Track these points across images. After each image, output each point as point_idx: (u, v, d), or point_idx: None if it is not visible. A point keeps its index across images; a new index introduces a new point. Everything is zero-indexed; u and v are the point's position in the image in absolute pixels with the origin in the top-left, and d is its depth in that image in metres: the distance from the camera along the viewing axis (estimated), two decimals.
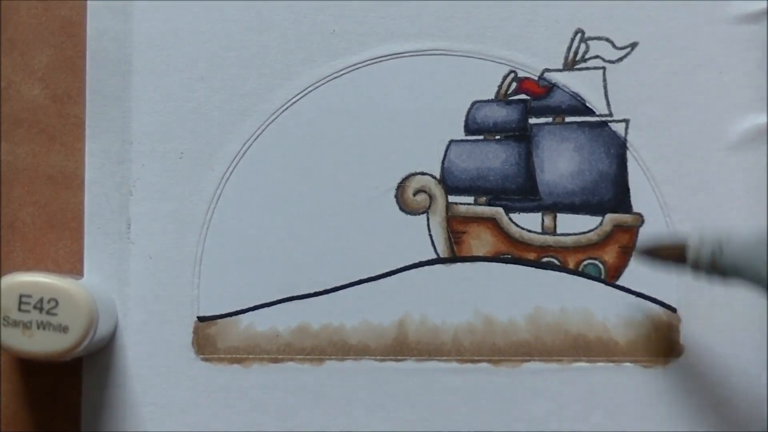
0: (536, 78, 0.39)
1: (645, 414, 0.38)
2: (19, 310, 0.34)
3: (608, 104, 0.39)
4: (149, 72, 0.39)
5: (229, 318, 0.38)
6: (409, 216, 0.39)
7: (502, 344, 0.38)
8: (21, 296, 0.34)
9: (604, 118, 0.39)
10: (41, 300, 0.33)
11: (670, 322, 0.38)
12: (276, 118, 0.39)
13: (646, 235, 0.38)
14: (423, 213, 0.39)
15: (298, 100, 0.39)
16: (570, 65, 0.39)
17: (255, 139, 0.39)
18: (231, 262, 0.39)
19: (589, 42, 0.39)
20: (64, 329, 0.34)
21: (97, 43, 0.39)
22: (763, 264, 0.32)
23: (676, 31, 0.39)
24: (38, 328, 0.34)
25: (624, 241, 0.39)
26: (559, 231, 0.39)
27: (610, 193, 0.39)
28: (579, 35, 0.39)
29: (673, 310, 0.38)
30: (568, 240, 0.39)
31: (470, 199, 0.39)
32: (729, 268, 0.33)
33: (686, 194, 0.38)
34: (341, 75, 0.39)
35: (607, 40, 0.39)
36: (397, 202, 0.39)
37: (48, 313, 0.33)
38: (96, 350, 0.38)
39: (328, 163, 0.39)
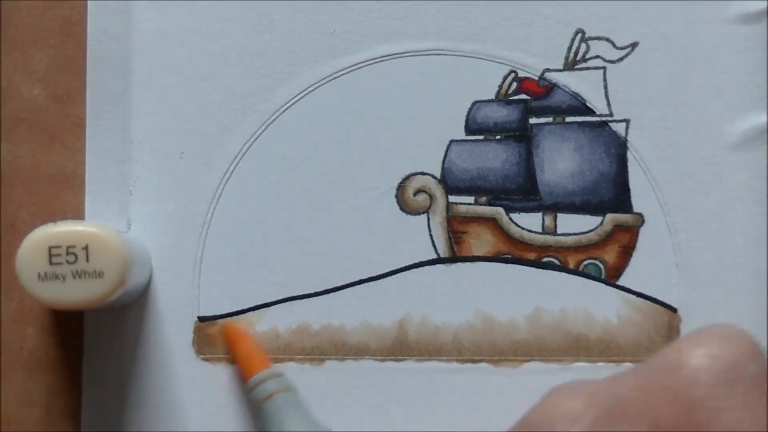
0: (537, 78, 0.39)
1: None
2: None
3: (608, 104, 0.39)
4: (149, 72, 0.39)
5: (229, 318, 0.38)
6: (409, 216, 0.39)
7: (502, 344, 0.38)
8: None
9: (604, 118, 0.39)
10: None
11: (670, 322, 0.38)
12: (276, 117, 0.39)
13: (645, 235, 0.39)
14: (423, 213, 0.39)
15: (298, 100, 0.39)
16: (570, 65, 0.39)
17: (255, 139, 0.39)
18: (231, 262, 0.39)
19: (589, 42, 0.39)
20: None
21: (98, 43, 0.39)
22: None
23: (676, 31, 0.39)
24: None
25: (624, 241, 0.39)
26: (559, 231, 0.39)
27: (611, 193, 0.39)
28: (579, 35, 0.39)
29: (674, 310, 0.38)
30: (569, 240, 0.39)
31: (471, 199, 0.39)
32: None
33: (686, 194, 0.38)
34: (341, 75, 0.39)
35: (608, 40, 0.39)
36: (398, 202, 0.39)
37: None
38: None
39: (329, 163, 0.39)
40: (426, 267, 0.39)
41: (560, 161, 0.39)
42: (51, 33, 0.39)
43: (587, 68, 0.39)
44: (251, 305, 0.38)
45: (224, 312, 0.38)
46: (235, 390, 0.38)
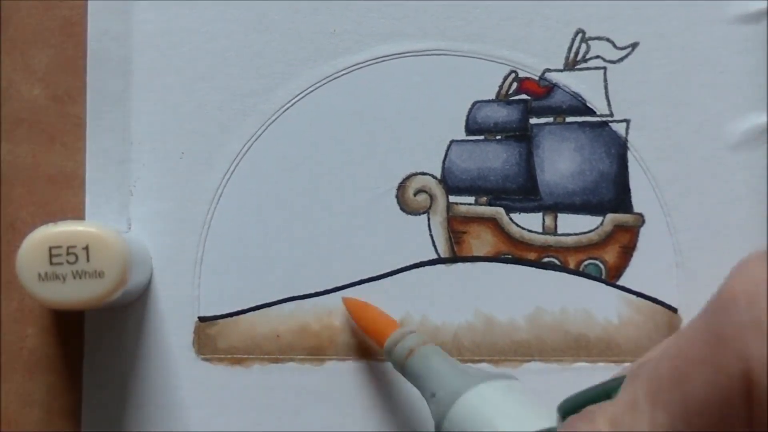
0: (537, 78, 0.39)
1: None
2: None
3: (609, 104, 0.39)
4: (149, 72, 0.39)
5: (229, 318, 0.38)
6: (409, 216, 0.39)
7: (502, 344, 0.38)
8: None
9: (604, 118, 0.39)
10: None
11: (670, 323, 0.38)
12: (276, 118, 0.39)
13: (645, 235, 0.39)
14: (424, 213, 0.39)
15: (298, 100, 0.39)
16: (571, 65, 0.39)
17: (255, 139, 0.39)
18: (231, 262, 0.39)
19: (589, 42, 0.39)
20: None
21: (98, 43, 0.39)
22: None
23: (676, 31, 0.39)
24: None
25: (624, 241, 0.39)
26: (559, 231, 0.39)
27: (611, 193, 0.39)
28: (580, 35, 0.39)
29: (674, 310, 0.38)
30: (569, 240, 0.39)
31: (471, 199, 0.39)
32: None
33: (686, 194, 0.38)
34: (341, 75, 0.39)
35: (608, 40, 0.39)
36: (398, 202, 0.39)
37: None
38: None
39: (329, 163, 0.39)
40: (426, 267, 0.39)
41: (560, 161, 0.39)
42: (51, 33, 0.39)
43: (587, 68, 0.39)
44: (251, 305, 0.38)
45: (224, 312, 0.38)
46: (235, 390, 0.38)
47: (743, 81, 0.39)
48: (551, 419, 0.28)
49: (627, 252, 0.39)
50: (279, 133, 0.39)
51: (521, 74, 0.39)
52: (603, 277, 0.39)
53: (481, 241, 0.39)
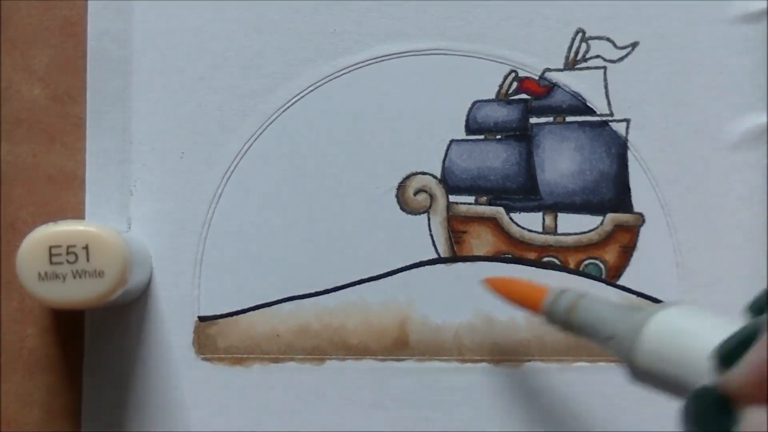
0: (537, 78, 0.39)
1: (646, 414, 0.38)
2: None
3: (609, 104, 0.39)
4: (149, 72, 0.39)
5: (229, 318, 0.38)
6: (409, 216, 0.39)
7: (502, 344, 0.38)
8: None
9: (604, 118, 0.39)
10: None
11: None
12: (276, 118, 0.39)
13: (645, 234, 0.39)
14: (424, 213, 0.39)
15: (298, 100, 0.39)
16: (571, 65, 0.39)
17: (255, 139, 0.39)
18: (231, 261, 0.39)
19: (589, 42, 0.39)
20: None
21: (98, 43, 0.39)
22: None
23: (676, 30, 0.39)
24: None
25: (625, 241, 0.39)
26: (559, 231, 0.39)
27: (611, 193, 0.39)
28: (580, 35, 0.39)
29: None
30: (569, 240, 0.39)
31: (471, 199, 0.39)
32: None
33: (686, 194, 0.39)
34: (341, 75, 0.39)
35: (608, 39, 0.39)
36: (398, 201, 0.39)
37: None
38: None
39: (329, 162, 0.39)
40: (426, 267, 0.39)
41: (561, 161, 0.39)
42: (51, 33, 0.39)
43: (588, 68, 0.39)
44: (251, 305, 0.38)
45: (224, 312, 0.38)
46: (235, 390, 0.38)
47: (743, 81, 0.39)
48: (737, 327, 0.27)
49: (627, 252, 0.39)
50: (279, 133, 0.39)
51: (521, 74, 0.39)
52: (603, 277, 0.39)
53: (481, 240, 0.39)
